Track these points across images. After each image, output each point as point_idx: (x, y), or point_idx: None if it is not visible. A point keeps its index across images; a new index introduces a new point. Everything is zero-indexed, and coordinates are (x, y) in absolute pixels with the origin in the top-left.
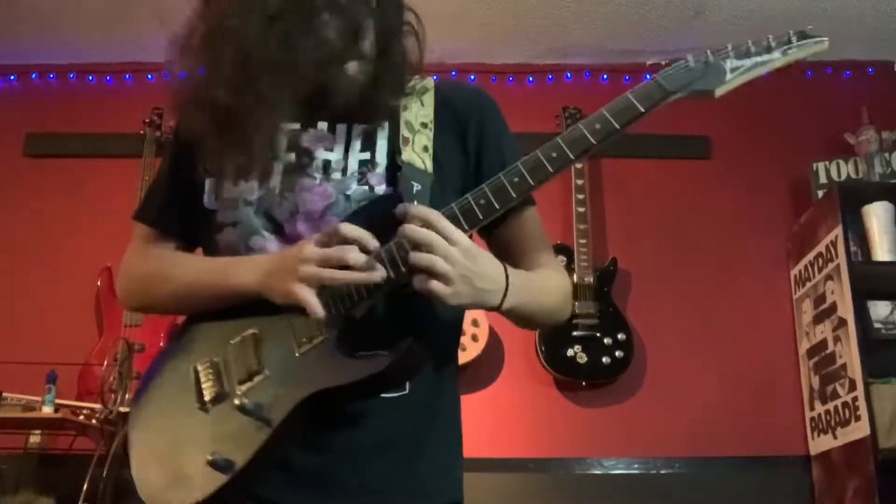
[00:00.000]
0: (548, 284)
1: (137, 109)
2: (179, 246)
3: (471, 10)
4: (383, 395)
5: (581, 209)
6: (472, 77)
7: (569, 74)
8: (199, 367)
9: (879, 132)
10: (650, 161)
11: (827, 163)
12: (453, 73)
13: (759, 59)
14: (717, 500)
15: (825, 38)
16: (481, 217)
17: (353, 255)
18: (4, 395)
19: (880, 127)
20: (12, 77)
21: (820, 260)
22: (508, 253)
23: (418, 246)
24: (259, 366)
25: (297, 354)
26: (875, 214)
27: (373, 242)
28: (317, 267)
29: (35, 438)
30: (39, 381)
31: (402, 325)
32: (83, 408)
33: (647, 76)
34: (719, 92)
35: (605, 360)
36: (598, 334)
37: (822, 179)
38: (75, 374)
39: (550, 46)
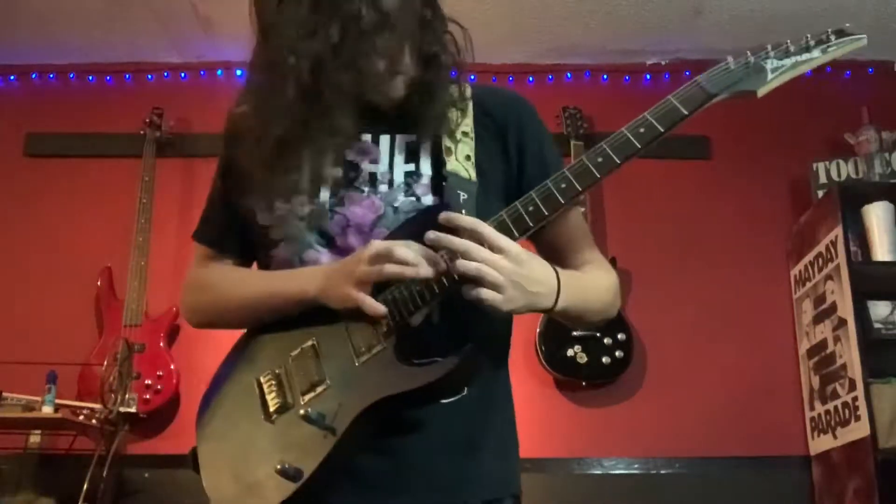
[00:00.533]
0: (597, 284)
1: (137, 109)
2: (237, 262)
3: (471, 11)
4: (443, 400)
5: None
6: (472, 77)
7: (569, 74)
8: (262, 380)
9: (879, 132)
10: (650, 161)
11: (827, 163)
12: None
13: (798, 58)
14: (717, 500)
15: (863, 36)
16: (531, 224)
17: (401, 251)
18: (4, 395)
19: (880, 127)
20: (12, 77)
21: (820, 260)
22: (556, 253)
23: (466, 256)
24: (321, 376)
25: (357, 364)
26: (875, 214)
27: (419, 251)
28: (369, 265)
29: (35, 438)
30: (39, 381)
31: (457, 332)
32: (83, 408)
33: (647, 76)
34: (762, 92)
35: (605, 360)
36: (598, 334)
37: (822, 179)
38: (75, 374)
39: (550, 46)
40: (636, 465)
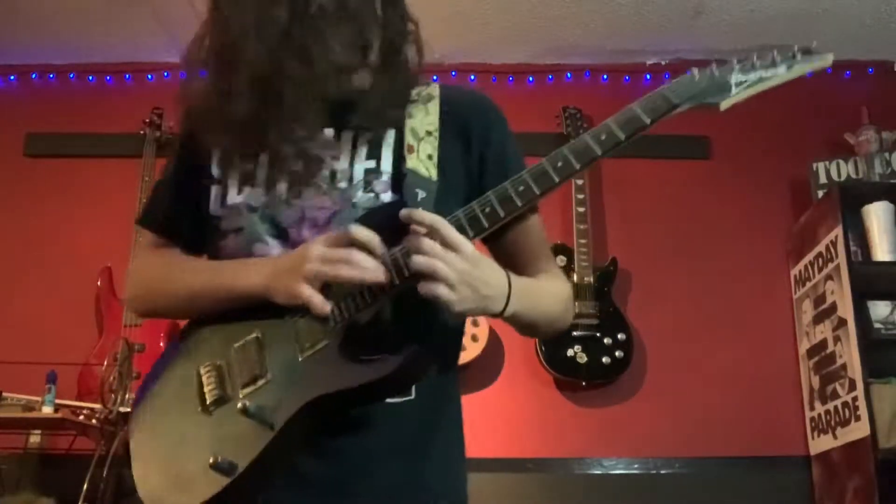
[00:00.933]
0: (550, 291)
1: (137, 109)
2: (184, 251)
3: (471, 11)
4: (390, 400)
5: (581, 209)
6: (472, 77)
7: (569, 74)
8: (202, 370)
9: (879, 132)
10: (650, 161)
11: (827, 163)
12: (453, 73)
13: (763, 73)
14: (717, 500)
15: (829, 55)
16: (486, 225)
17: (357, 255)
18: (4, 395)
19: (880, 127)
20: (12, 77)
21: (820, 260)
22: (511, 260)
23: (421, 252)
24: (262, 370)
25: (300, 359)
26: (875, 214)
27: (379, 245)
28: (320, 264)
29: (35, 438)
30: (39, 381)
31: (405, 330)
32: (83, 408)
33: (647, 76)
34: (724, 105)
35: (605, 360)
36: (598, 334)
37: (822, 179)
38: (75, 374)
39: (550, 46)
40: (636, 465)
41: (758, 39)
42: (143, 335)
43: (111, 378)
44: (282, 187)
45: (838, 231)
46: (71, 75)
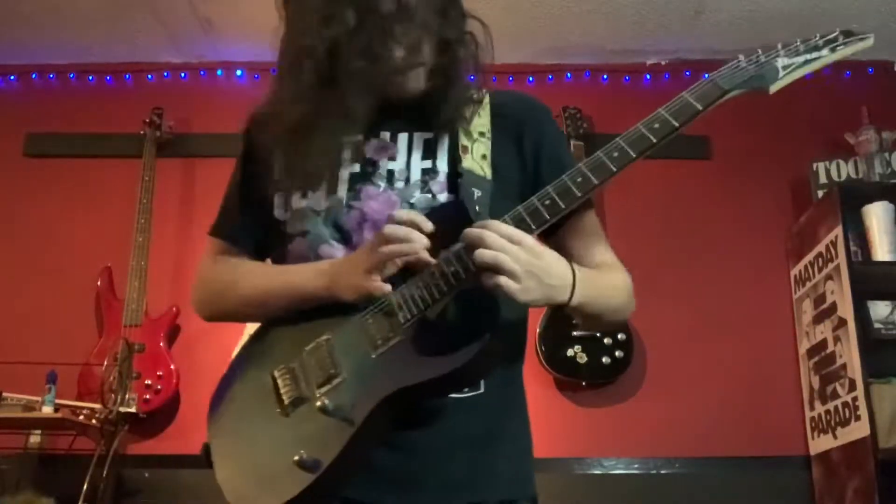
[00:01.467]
0: (612, 282)
1: (137, 109)
2: (251, 258)
3: (470, 11)
4: (460, 394)
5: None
6: (472, 77)
7: (569, 74)
8: (276, 374)
9: (879, 132)
10: (650, 161)
11: (827, 163)
12: None
13: (808, 56)
14: (717, 500)
15: (870, 35)
16: (548, 217)
17: (400, 230)
18: (4, 395)
19: (880, 127)
20: (12, 77)
21: (820, 260)
22: (570, 253)
23: (484, 245)
24: (336, 369)
25: (373, 356)
26: (875, 214)
27: (427, 224)
28: (375, 253)
29: (35, 438)
30: (39, 381)
31: (473, 325)
32: (83, 408)
33: (647, 76)
34: (773, 88)
35: (605, 360)
36: (597, 334)
37: (822, 179)
38: (75, 374)
39: (550, 46)
40: (636, 465)
41: (758, 39)
42: (143, 335)
43: (111, 378)
44: (342, 190)
45: (838, 231)
46: (71, 75)
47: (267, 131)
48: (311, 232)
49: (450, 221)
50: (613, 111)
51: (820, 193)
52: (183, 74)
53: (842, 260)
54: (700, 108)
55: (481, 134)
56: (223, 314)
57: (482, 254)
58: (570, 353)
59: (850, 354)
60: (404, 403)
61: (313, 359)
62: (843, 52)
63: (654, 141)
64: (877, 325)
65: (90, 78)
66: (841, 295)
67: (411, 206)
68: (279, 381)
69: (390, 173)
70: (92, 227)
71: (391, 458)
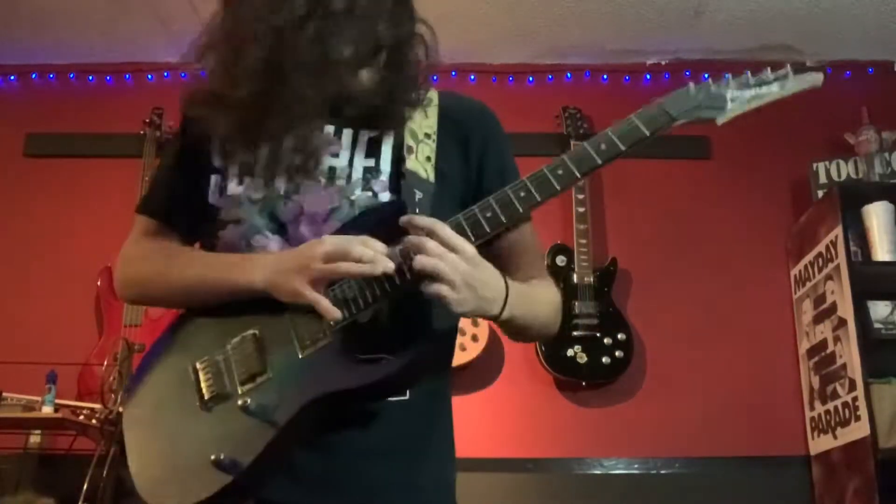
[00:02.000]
0: (542, 298)
1: (137, 109)
2: (180, 240)
3: (471, 11)
4: (386, 399)
5: (581, 209)
6: (472, 77)
7: (569, 74)
8: (199, 365)
9: (879, 132)
10: (650, 161)
11: (827, 163)
12: (453, 73)
13: (758, 90)
14: (717, 500)
15: (819, 75)
16: (488, 230)
17: (359, 249)
18: (4, 395)
19: (880, 127)
20: (12, 77)
21: (820, 260)
22: (503, 264)
23: (424, 252)
24: (262, 367)
25: (300, 356)
26: (875, 214)
27: (381, 245)
28: (326, 263)
29: (35, 438)
30: (39, 381)
31: (403, 331)
32: (83, 408)
33: (647, 76)
34: (721, 121)
35: (605, 360)
36: (598, 334)
37: (822, 179)
38: (75, 374)
39: (550, 46)
40: (636, 465)
41: (758, 39)
42: (143, 335)
43: (111, 378)
44: (280, 181)
45: (838, 231)
46: (71, 75)
47: (204, 112)
48: (245, 220)
49: (388, 222)
50: (613, 111)
51: (820, 193)
52: (183, 74)
53: (842, 260)
54: (647, 133)
55: (427, 136)
56: (148, 299)
57: (422, 260)
58: (570, 353)
59: (850, 354)
60: (329, 407)
61: (238, 353)
62: (793, 89)
63: (599, 163)
64: (877, 325)
65: (90, 78)
66: (841, 295)
67: (351, 203)
68: (201, 374)
69: (332, 169)
70: (92, 227)
71: (312, 459)
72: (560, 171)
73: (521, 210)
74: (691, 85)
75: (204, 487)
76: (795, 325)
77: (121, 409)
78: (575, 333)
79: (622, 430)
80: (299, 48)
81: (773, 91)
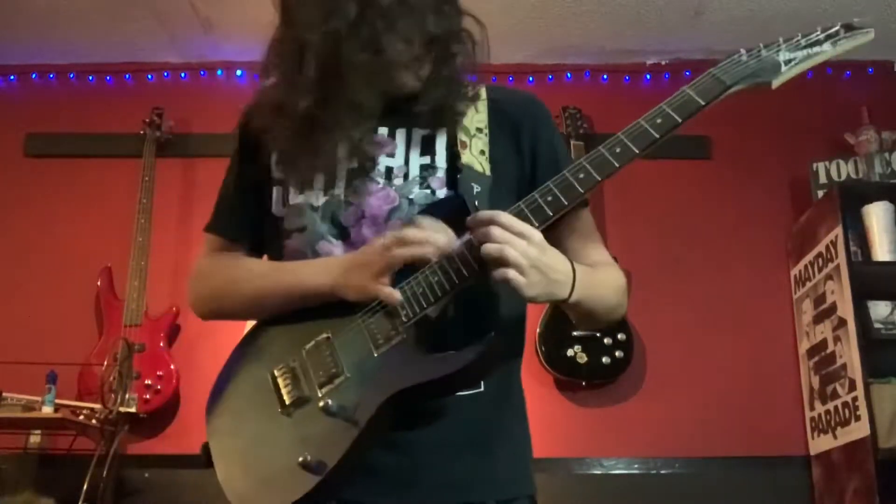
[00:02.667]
0: (608, 281)
1: (137, 109)
2: (247, 255)
3: (471, 11)
4: (460, 392)
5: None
6: (472, 77)
7: (569, 74)
8: (277, 373)
9: (879, 132)
10: (650, 161)
11: (827, 163)
12: None
13: (810, 50)
14: (717, 500)
15: (871, 29)
16: (550, 213)
17: (419, 233)
18: (4, 395)
19: (880, 127)
20: (12, 77)
21: (820, 260)
22: (566, 251)
23: (490, 240)
24: (338, 368)
25: (375, 355)
26: (875, 214)
27: (441, 226)
28: (388, 254)
29: (35, 438)
30: (39, 381)
31: (475, 323)
32: (83, 408)
33: (647, 76)
34: (776, 83)
35: (605, 360)
36: (597, 334)
37: (822, 179)
38: (75, 374)
39: (550, 46)
40: (636, 465)
41: (758, 39)
42: (143, 335)
43: (111, 378)
44: (340, 186)
45: (838, 231)
46: (71, 75)
47: (266, 124)
48: (308, 228)
49: (449, 217)
50: (613, 111)
51: (820, 193)
52: (183, 74)
53: (842, 260)
54: (703, 103)
55: (479, 130)
56: (222, 313)
57: (489, 247)
58: (570, 353)
59: (850, 354)
60: (405, 403)
61: (314, 358)
62: (845, 46)
63: (657, 136)
64: (877, 325)
65: (90, 78)
66: (841, 295)
67: (410, 201)
68: (280, 381)
69: (388, 170)
70: (92, 227)
71: (389, 457)
72: (618, 150)
73: (581, 190)
74: (743, 51)
75: (293, 490)
76: (795, 325)
77: (127, 409)
78: (575, 333)
79: (622, 430)
80: (355, 52)
81: (825, 50)
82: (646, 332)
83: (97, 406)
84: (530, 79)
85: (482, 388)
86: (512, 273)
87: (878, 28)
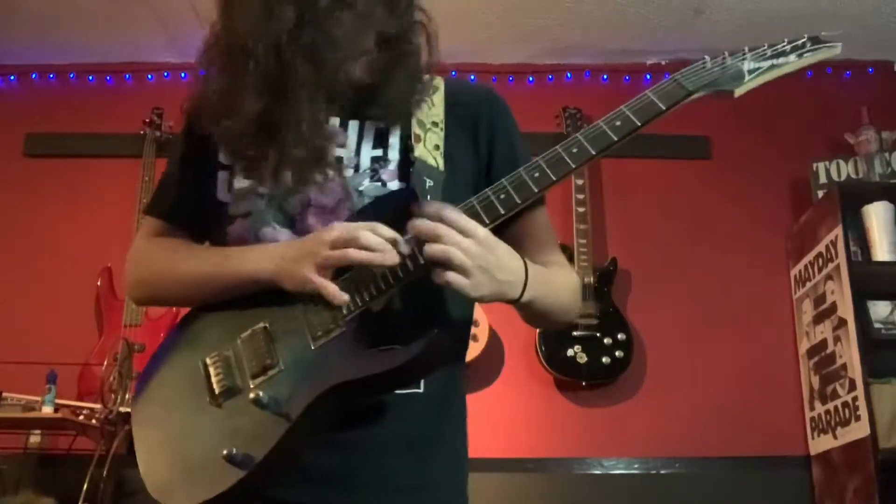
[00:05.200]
0: (561, 281)
1: (137, 109)
2: (189, 239)
3: (471, 11)
4: (399, 391)
5: (581, 209)
6: (472, 77)
7: (569, 74)
8: (209, 361)
9: (879, 132)
10: (650, 161)
11: (827, 163)
12: (453, 73)
13: (775, 61)
14: (717, 500)
15: (838, 44)
16: (502, 211)
17: (367, 235)
18: (4, 395)
19: (880, 127)
20: (12, 77)
21: (820, 260)
22: (519, 250)
23: (433, 239)
24: (273, 359)
25: (312, 348)
26: (875, 214)
27: (390, 232)
28: (332, 250)
29: (35, 438)
30: (39, 381)
31: (417, 320)
32: (83, 408)
33: (647, 76)
34: (738, 92)
35: (605, 360)
36: (598, 334)
37: (822, 179)
38: (75, 374)
39: (550, 46)
40: (636, 465)
41: (758, 39)
42: (143, 335)
43: (111, 378)
44: (288, 174)
45: (838, 231)
46: (71, 75)
47: (213, 118)
48: (253, 213)
49: (399, 210)
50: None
51: (820, 193)
52: (183, 74)
53: (842, 260)
54: (663, 108)
55: (434, 124)
56: (157, 298)
57: (432, 248)
58: (570, 353)
59: (850, 354)
60: (342, 400)
61: (248, 347)
62: (810, 60)
63: (615, 139)
64: (877, 325)
65: (90, 78)
66: (841, 295)
67: (360, 193)
68: (211, 369)
69: (339, 160)
70: (92, 227)
71: (324, 456)
72: (575, 150)
73: (535, 190)
74: (707, 58)
75: (216, 483)
76: (795, 325)
77: (127, 409)
78: (575, 333)
79: (622, 430)
80: (296, 59)
81: (790, 61)
82: (646, 332)
83: (97, 406)
84: (530, 79)
85: (421, 389)
86: (452, 276)
87: (878, 28)
